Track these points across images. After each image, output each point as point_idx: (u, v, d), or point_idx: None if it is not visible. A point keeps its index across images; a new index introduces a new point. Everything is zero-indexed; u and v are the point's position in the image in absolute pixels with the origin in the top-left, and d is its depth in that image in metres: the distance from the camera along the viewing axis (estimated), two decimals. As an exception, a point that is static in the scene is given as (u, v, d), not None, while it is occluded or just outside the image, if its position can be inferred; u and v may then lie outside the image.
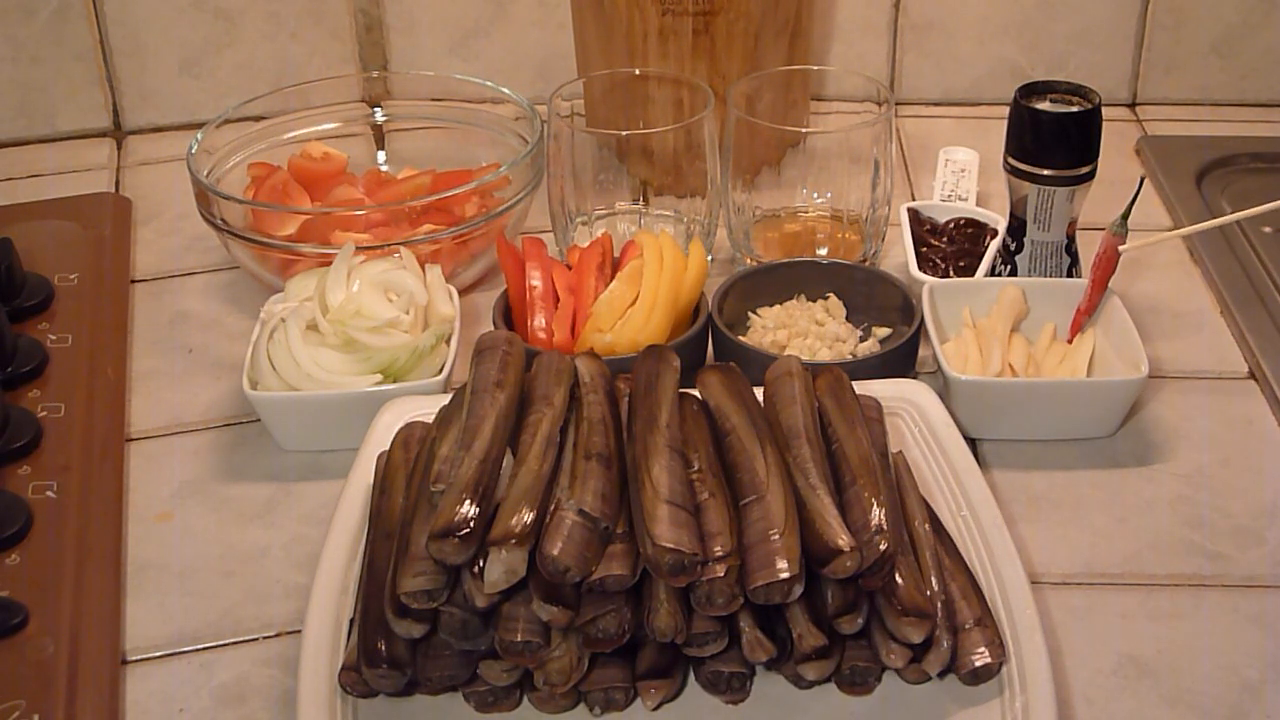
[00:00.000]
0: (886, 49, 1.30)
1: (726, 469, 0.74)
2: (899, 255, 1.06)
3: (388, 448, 0.81)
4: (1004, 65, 1.30)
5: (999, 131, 0.97)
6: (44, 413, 0.91)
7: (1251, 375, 0.97)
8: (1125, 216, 0.92)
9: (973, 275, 1.02)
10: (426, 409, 0.83)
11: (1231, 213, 1.12)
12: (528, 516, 0.67)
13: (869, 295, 0.98)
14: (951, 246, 1.05)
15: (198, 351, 1.02)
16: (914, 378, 0.91)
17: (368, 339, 0.91)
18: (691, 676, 0.72)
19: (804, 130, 1.07)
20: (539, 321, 0.93)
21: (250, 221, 1.04)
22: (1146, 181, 1.09)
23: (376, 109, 1.20)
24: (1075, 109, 0.94)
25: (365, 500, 0.80)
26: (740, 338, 0.94)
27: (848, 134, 1.03)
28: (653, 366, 0.79)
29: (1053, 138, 0.94)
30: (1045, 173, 0.95)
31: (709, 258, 1.01)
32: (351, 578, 0.76)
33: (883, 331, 0.97)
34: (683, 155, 1.05)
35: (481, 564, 0.67)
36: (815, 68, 1.21)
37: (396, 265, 0.96)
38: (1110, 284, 0.94)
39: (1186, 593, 0.80)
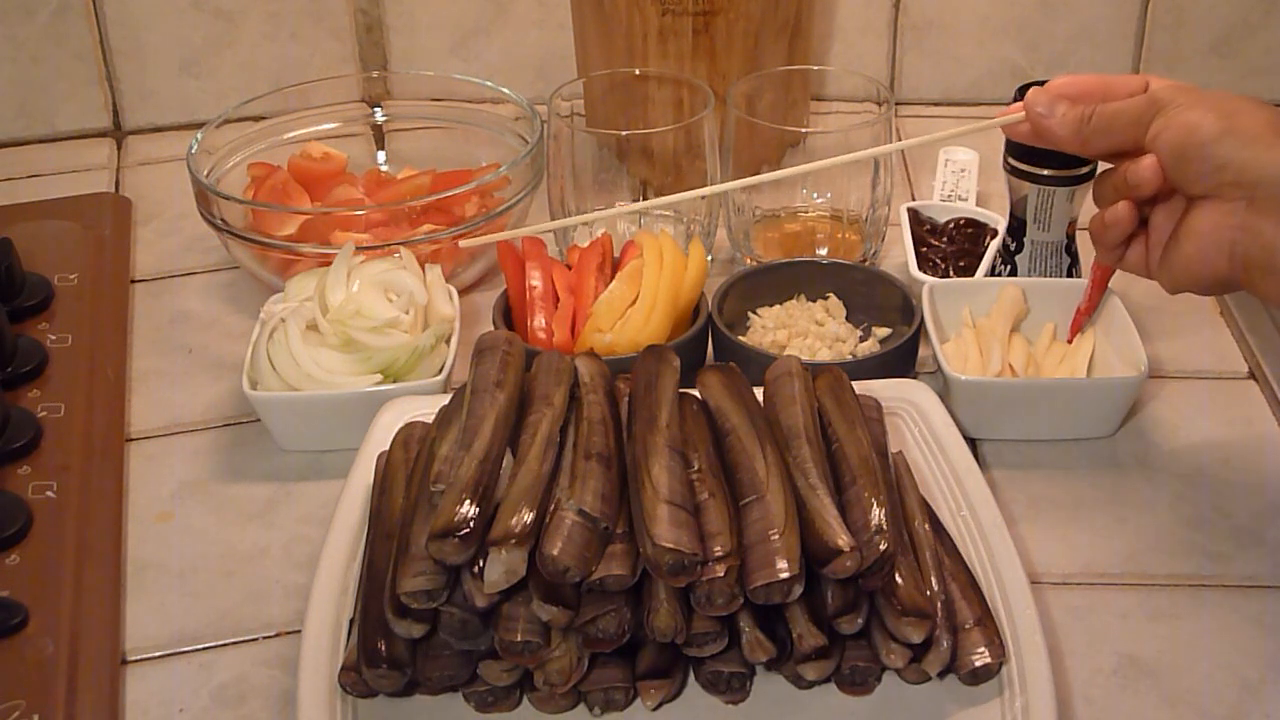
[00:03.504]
0: (886, 49, 1.31)
1: (726, 469, 0.74)
2: (899, 255, 1.06)
3: (388, 448, 0.81)
4: (1004, 65, 1.30)
5: (999, 131, 0.97)
6: (44, 413, 0.91)
7: (1251, 375, 0.97)
8: (1125, 216, 0.92)
9: (973, 275, 1.02)
10: (426, 409, 0.83)
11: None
12: (528, 516, 0.67)
13: (869, 295, 0.98)
14: (951, 246, 1.05)
15: (198, 351, 1.02)
16: (914, 378, 0.91)
17: (368, 339, 0.91)
18: (691, 676, 0.72)
19: (804, 130, 1.07)
20: (539, 321, 0.93)
21: (250, 221, 1.04)
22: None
23: (376, 109, 1.20)
24: (1075, 109, 0.94)
25: (365, 500, 0.80)
26: (740, 338, 0.94)
27: (848, 134, 1.03)
28: (653, 366, 0.79)
29: (1053, 138, 0.94)
30: (1045, 173, 0.95)
31: (709, 258, 1.01)
32: (351, 578, 0.76)
33: (883, 331, 0.97)
34: (683, 155, 1.05)
35: (481, 564, 0.67)
36: (815, 68, 1.21)
37: (396, 265, 0.96)
38: (1110, 284, 0.94)
39: (1186, 593, 0.80)
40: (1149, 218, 0.82)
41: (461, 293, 1.00)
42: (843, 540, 0.68)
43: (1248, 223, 0.75)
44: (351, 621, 0.73)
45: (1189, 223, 0.78)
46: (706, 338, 0.95)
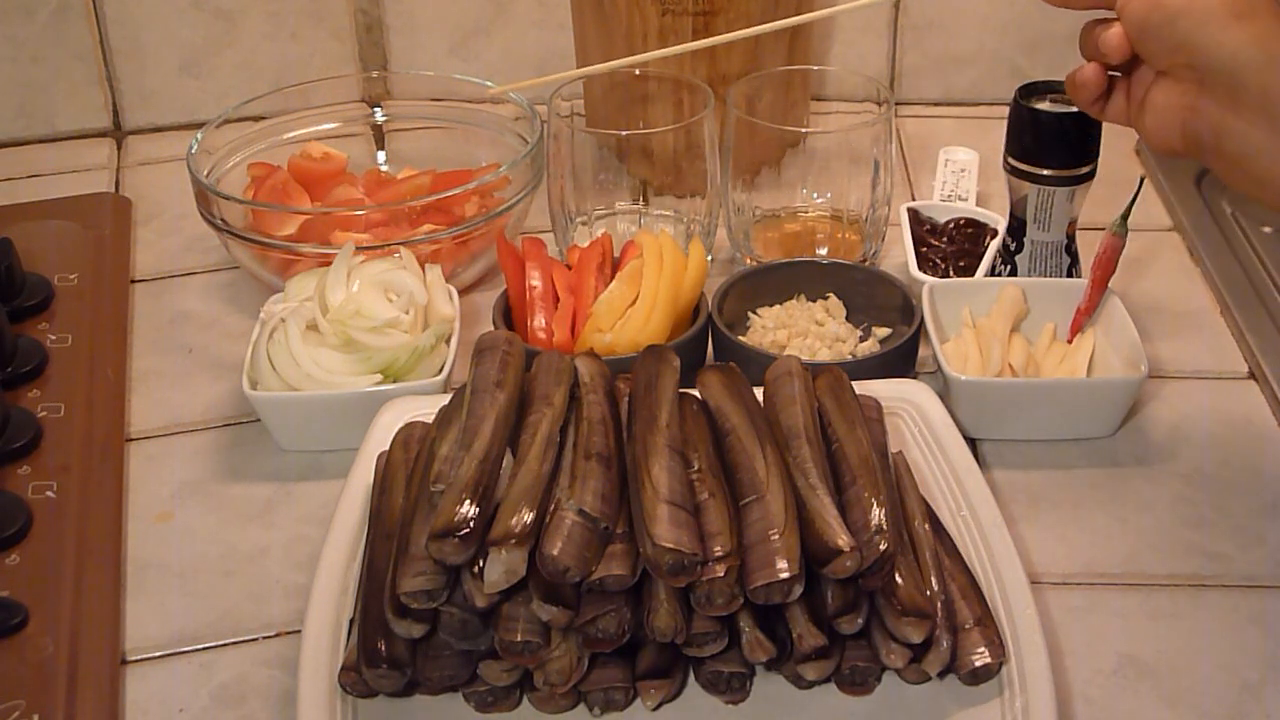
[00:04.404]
0: (886, 49, 1.30)
1: (726, 469, 0.74)
2: (899, 255, 1.06)
3: (388, 448, 0.81)
4: (1004, 65, 1.30)
5: (999, 131, 0.97)
6: (44, 413, 0.91)
7: (1251, 375, 0.97)
8: (1125, 216, 0.92)
9: (973, 275, 1.02)
10: (426, 409, 0.83)
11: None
12: (528, 516, 0.67)
13: (869, 295, 0.98)
14: (951, 246, 1.05)
15: (198, 351, 1.02)
16: (914, 378, 0.91)
17: (368, 339, 0.91)
18: (691, 676, 0.72)
19: (804, 130, 1.07)
20: (539, 321, 0.93)
21: (250, 221, 1.04)
22: (1146, 181, 1.09)
23: (376, 109, 1.20)
24: (1075, 109, 0.94)
25: (365, 500, 0.80)
26: (740, 338, 0.94)
27: (848, 134, 1.03)
28: (653, 366, 0.79)
29: (1053, 138, 0.94)
30: (1045, 173, 0.95)
31: (709, 258, 1.01)
32: (351, 578, 0.76)
33: (883, 331, 0.97)
34: (683, 155, 1.05)
35: (481, 564, 0.67)
36: (815, 68, 1.21)
37: (396, 265, 0.96)
38: (1110, 284, 0.94)
39: (1186, 593, 0.80)
40: (1130, 74, 0.80)
41: (461, 293, 1.00)
42: (843, 540, 0.68)
43: (1197, 105, 0.75)
44: (351, 621, 0.73)
45: (1150, 95, 0.78)
46: (706, 338, 0.95)
